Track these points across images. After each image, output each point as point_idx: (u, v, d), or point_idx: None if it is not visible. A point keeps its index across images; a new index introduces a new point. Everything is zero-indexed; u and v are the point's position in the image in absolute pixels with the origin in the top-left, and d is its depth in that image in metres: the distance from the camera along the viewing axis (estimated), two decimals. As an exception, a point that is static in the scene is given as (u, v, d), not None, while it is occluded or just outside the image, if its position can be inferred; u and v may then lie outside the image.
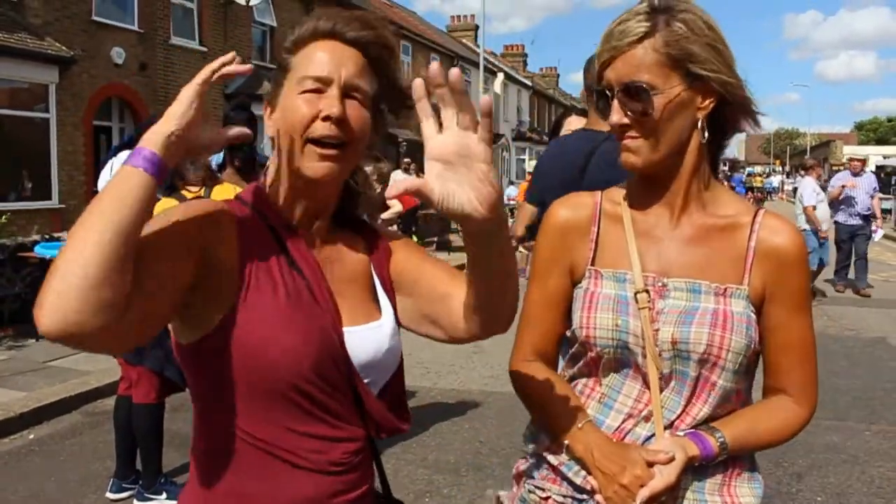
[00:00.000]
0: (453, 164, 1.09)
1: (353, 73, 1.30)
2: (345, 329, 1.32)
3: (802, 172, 16.48)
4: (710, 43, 1.40)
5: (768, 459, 4.79)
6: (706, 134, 1.45)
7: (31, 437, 5.64)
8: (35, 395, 6.17)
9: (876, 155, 47.19)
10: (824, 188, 12.07)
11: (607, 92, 1.44)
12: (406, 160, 18.26)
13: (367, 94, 1.32)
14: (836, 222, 11.75)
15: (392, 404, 1.40)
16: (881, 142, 76.44)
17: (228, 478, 1.29)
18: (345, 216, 1.46)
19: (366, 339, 1.35)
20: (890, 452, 5.24)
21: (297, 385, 1.26)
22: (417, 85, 1.08)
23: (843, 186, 11.57)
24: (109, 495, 4.51)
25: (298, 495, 1.29)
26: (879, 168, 36.01)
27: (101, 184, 4.68)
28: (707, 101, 1.43)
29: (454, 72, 1.07)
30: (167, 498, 4.39)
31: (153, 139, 1.16)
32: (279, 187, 1.36)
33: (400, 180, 1.13)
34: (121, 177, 1.12)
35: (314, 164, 1.28)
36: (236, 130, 1.26)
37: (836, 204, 11.72)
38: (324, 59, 1.30)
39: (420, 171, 17.63)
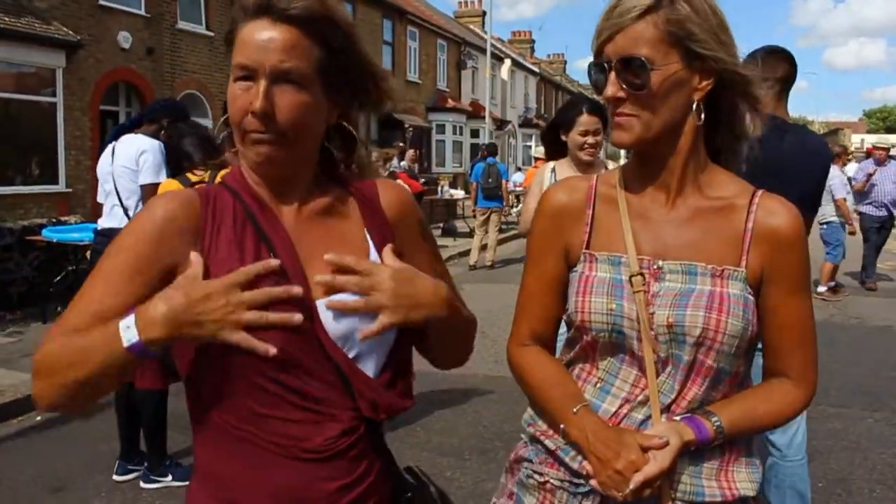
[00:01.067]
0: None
1: (279, 57, 1.25)
2: (318, 301, 1.27)
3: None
4: (712, 27, 1.40)
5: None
6: (702, 116, 1.45)
7: (39, 418, 5.68)
8: (42, 378, 6.21)
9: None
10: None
11: (605, 65, 1.43)
12: (400, 144, 18.15)
13: (303, 74, 1.27)
14: (861, 213, 11.32)
15: (391, 381, 1.34)
16: (890, 130, 75.95)
17: (219, 464, 1.29)
18: (335, 180, 1.44)
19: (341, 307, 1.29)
20: (892, 440, 5.25)
21: (262, 368, 1.23)
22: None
23: (870, 175, 11.12)
24: (116, 477, 4.55)
25: (282, 483, 1.27)
26: (888, 157, 35.75)
27: (99, 169, 4.68)
28: (704, 83, 1.43)
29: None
30: (173, 479, 4.43)
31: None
32: (247, 167, 1.36)
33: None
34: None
35: (250, 151, 1.29)
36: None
37: (861, 194, 11.25)
38: (249, 45, 1.26)
39: (416, 158, 17.51)
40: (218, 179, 1.61)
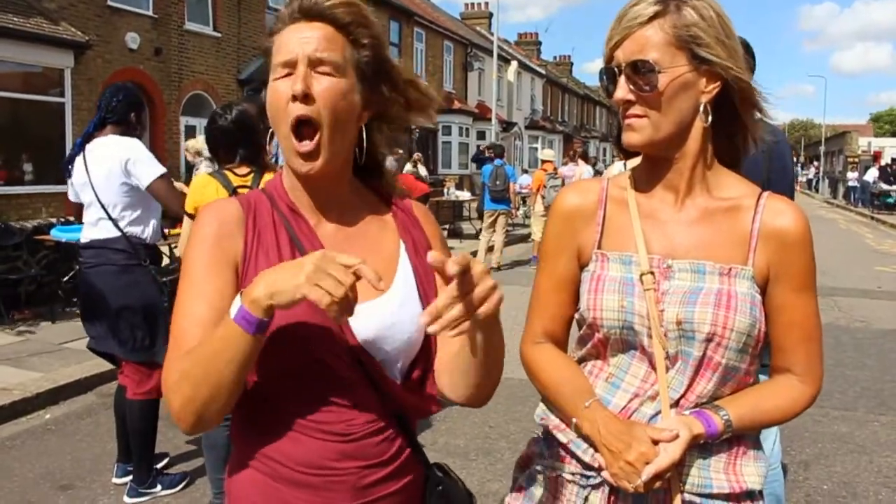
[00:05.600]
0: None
1: (315, 47, 1.33)
2: None
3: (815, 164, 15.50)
4: (718, 32, 1.45)
5: (776, 448, 4.82)
6: (709, 118, 1.49)
7: (48, 416, 5.73)
8: (51, 376, 6.26)
9: (892, 147, 46.87)
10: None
11: (615, 70, 1.48)
12: (400, 151, 18.25)
13: (338, 64, 1.35)
14: None
15: (415, 384, 1.41)
16: (897, 134, 75.81)
17: (261, 442, 1.37)
18: (373, 190, 1.51)
19: (368, 315, 1.35)
20: (898, 443, 5.26)
21: (290, 365, 1.32)
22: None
23: None
24: (115, 480, 4.52)
25: (313, 456, 1.34)
26: (894, 160, 35.79)
27: (75, 179, 4.29)
28: (711, 86, 1.47)
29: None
30: (162, 489, 4.37)
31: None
32: (289, 174, 1.43)
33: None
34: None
35: (297, 162, 1.35)
36: None
37: None
38: (287, 42, 1.35)
39: (418, 161, 17.70)
40: (261, 185, 1.66)
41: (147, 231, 4.32)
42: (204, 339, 1.24)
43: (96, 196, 4.20)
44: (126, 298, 4.22)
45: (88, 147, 4.26)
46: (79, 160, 4.27)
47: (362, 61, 1.39)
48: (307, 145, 1.33)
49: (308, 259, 1.16)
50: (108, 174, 4.16)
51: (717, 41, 1.44)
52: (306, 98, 1.31)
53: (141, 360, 4.28)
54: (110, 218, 4.20)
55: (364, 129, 1.43)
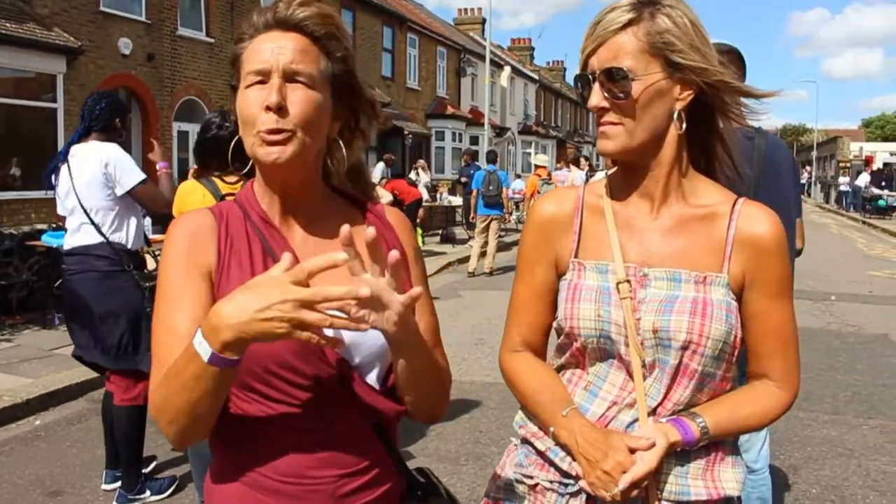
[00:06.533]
0: (371, 303, 1.18)
1: (290, 58, 1.33)
2: None
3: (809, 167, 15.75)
4: (692, 39, 1.45)
5: (765, 452, 4.84)
6: (683, 125, 1.49)
7: (38, 423, 5.72)
8: (41, 382, 6.25)
9: (883, 152, 47.09)
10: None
11: (590, 77, 1.49)
12: (392, 157, 18.39)
13: (312, 76, 1.34)
14: None
15: (393, 389, 1.40)
16: (888, 139, 76.11)
17: (240, 452, 1.36)
18: (346, 197, 1.51)
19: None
20: (887, 447, 5.28)
21: (262, 373, 1.31)
22: (345, 232, 1.16)
23: None
24: (105, 486, 4.51)
25: (291, 465, 1.34)
26: (886, 165, 35.97)
27: (59, 187, 4.28)
28: (685, 93, 1.48)
29: (369, 232, 1.18)
30: (151, 494, 4.36)
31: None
32: (260, 182, 1.43)
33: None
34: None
35: (263, 150, 1.33)
36: None
37: None
38: (262, 51, 1.34)
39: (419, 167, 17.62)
40: None
41: (130, 237, 4.31)
42: (177, 367, 1.21)
43: (79, 201, 4.19)
44: (108, 305, 4.20)
45: (71, 152, 4.26)
46: (63, 168, 4.26)
47: (335, 74, 1.39)
48: (277, 136, 1.31)
49: (268, 291, 1.12)
50: (90, 180, 4.16)
51: (692, 48, 1.45)
52: (280, 110, 1.30)
53: (124, 368, 4.26)
54: (93, 223, 4.19)
55: (339, 140, 1.44)
